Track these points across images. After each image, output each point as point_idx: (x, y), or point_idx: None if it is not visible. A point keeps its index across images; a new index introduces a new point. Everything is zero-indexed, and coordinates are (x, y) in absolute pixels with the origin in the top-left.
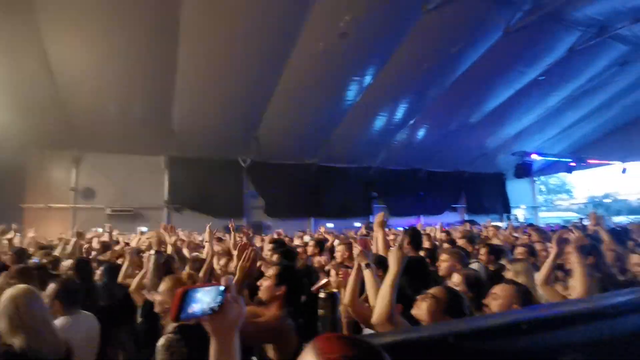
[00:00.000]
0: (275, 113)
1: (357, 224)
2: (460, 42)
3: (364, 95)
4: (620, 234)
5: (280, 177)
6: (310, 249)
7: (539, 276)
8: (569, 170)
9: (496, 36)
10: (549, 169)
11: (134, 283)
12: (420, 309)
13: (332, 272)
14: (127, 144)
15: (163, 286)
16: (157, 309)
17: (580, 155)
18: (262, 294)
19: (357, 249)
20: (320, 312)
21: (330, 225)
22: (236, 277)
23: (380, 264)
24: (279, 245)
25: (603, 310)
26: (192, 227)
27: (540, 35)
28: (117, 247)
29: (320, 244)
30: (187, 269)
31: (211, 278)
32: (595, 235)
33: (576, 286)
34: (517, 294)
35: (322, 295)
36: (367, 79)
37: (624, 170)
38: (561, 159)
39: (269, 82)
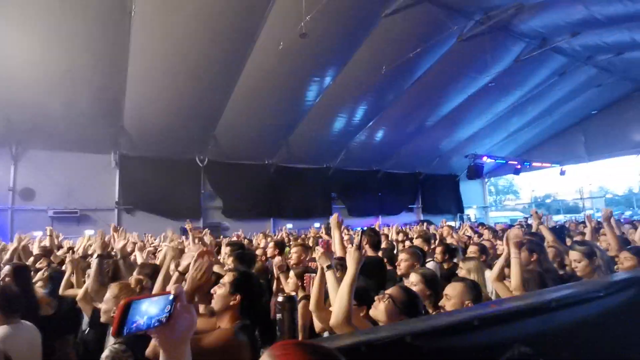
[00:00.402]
0: (234, 111)
1: (317, 225)
2: (417, 48)
3: (324, 96)
4: (559, 232)
5: (239, 177)
6: (270, 251)
7: (492, 273)
8: (516, 172)
9: (450, 43)
10: (498, 171)
11: (81, 291)
12: (378, 310)
13: (291, 274)
14: (72, 141)
15: (108, 294)
16: (102, 319)
17: (526, 158)
18: (214, 304)
19: (318, 251)
20: (278, 316)
21: (289, 226)
22: (186, 286)
23: (341, 265)
24: (236, 248)
25: (545, 304)
26: (146, 229)
27: (490, 45)
28: (59, 252)
29: (281, 245)
30: (135, 275)
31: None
32: (538, 233)
33: (512, 279)
34: (467, 290)
35: (280, 299)
36: (327, 80)
37: (562, 172)
38: (509, 162)
39: (227, 79)
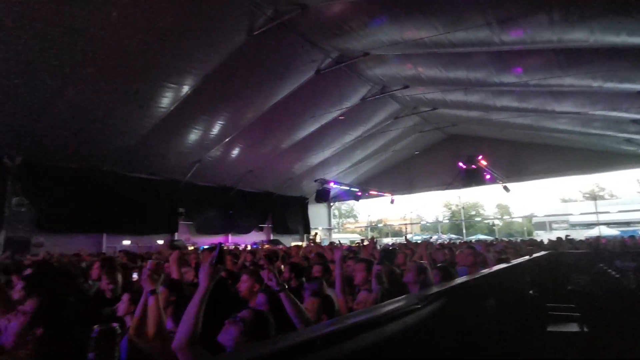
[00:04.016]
0: (67, 106)
1: (160, 242)
2: (279, 72)
3: (180, 105)
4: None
5: (63, 184)
6: (95, 272)
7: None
8: (357, 198)
9: (309, 74)
10: (342, 196)
11: None
12: (227, 334)
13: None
14: None
15: None
16: None
17: (365, 186)
18: (11, 339)
19: (145, 273)
20: (90, 355)
21: (127, 242)
22: None
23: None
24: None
25: (377, 318)
26: None
27: (343, 82)
28: None
29: (108, 263)
30: None
31: None
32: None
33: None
34: (324, 304)
35: (94, 333)
36: (185, 89)
37: (392, 201)
38: (351, 188)
39: (58, 65)
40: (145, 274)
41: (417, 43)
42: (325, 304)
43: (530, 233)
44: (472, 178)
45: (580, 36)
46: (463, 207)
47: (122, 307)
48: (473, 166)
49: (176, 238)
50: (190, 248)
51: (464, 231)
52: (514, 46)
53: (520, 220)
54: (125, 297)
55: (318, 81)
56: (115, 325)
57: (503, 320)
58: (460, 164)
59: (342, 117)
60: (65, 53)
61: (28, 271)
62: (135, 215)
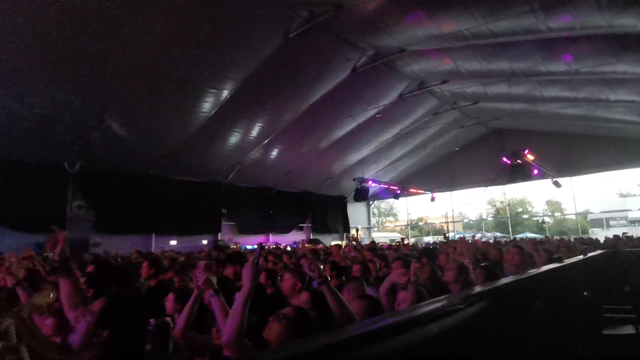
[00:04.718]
0: (118, 115)
1: (204, 242)
2: (315, 73)
3: (220, 110)
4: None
5: (117, 188)
6: (144, 271)
7: (381, 289)
8: (396, 196)
9: (345, 73)
10: (381, 194)
11: None
12: (272, 330)
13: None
14: None
15: None
16: None
17: (404, 184)
18: (78, 339)
19: (203, 275)
20: (148, 347)
21: (173, 242)
22: None
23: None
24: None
25: (417, 318)
26: None
27: (379, 80)
28: None
29: (156, 263)
30: None
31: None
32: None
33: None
34: (372, 308)
35: (150, 326)
36: (225, 93)
37: (432, 199)
38: (390, 187)
39: (109, 77)
40: (202, 277)
41: (456, 36)
42: (373, 307)
43: (585, 231)
44: (518, 173)
45: (630, 22)
46: (509, 204)
47: (168, 305)
48: (519, 161)
49: (219, 238)
50: (233, 247)
51: (510, 229)
52: (561, 33)
53: (573, 217)
54: (171, 296)
55: (354, 80)
56: (169, 319)
57: (555, 323)
58: (505, 159)
59: (379, 115)
60: (114, 66)
61: (90, 268)
62: (181, 216)
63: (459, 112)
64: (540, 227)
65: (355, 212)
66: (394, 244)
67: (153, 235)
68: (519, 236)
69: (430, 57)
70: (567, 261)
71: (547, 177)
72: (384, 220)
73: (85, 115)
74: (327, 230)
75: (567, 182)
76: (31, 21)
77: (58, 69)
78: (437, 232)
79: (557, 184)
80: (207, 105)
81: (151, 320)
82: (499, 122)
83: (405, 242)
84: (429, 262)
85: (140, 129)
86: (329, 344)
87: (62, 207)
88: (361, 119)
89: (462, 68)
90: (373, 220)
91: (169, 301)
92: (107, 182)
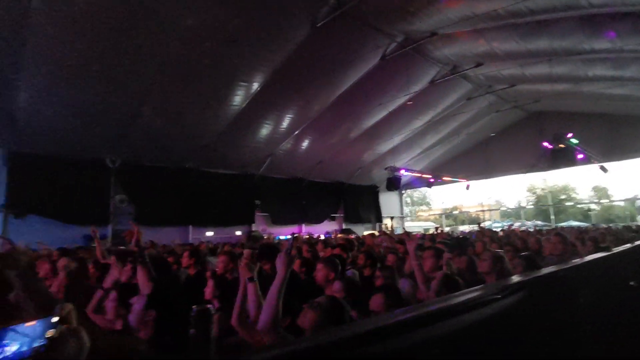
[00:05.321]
0: (153, 111)
1: (239, 233)
2: (344, 62)
3: (251, 102)
4: (460, 241)
5: (156, 181)
6: (185, 260)
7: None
8: (429, 185)
9: (375, 61)
10: (413, 183)
11: None
12: (306, 318)
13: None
14: None
15: None
16: None
17: (437, 172)
18: (134, 319)
19: (243, 262)
20: (192, 331)
21: (210, 233)
22: None
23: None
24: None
25: (453, 307)
26: (40, 236)
27: (409, 66)
28: None
29: (196, 254)
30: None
31: None
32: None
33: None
34: (392, 301)
35: (193, 312)
36: (255, 86)
37: (467, 187)
38: (423, 175)
39: (144, 76)
40: (242, 263)
41: (491, 15)
42: (394, 299)
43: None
44: (560, 158)
45: None
46: (550, 191)
47: (208, 291)
48: (561, 145)
49: (253, 229)
50: (266, 238)
51: (552, 217)
52: (604, 9)
53: (621, 204)
54: (211, 283)
55: (384, 67)
56: (210, 306)
57: (600, 315)
58: (546, 143)
59: (411, 102)
60: (148, 64)
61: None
62: (216, 208)
63: (494, 96)
64: (585, 214)
65: (388, 201)
66: (428, 233)
67: (190, 226)
68: (562, 224)
69: (463, 39)
70: (615, 250)
71: (593, 162)
72: (417, 210)
73: (123, 112)
74: (360, 220)
75: (615, 166)
76: (71, 20)
77: (95, 67)
78: (472, 221)
79: (603, 169)
80: (238, 98)
81: (193, 306)
82: (538, 105)
83: (439, 230)
84: (461, 252)
85: (175, 123)
86: (362, 332)
87: (106, 201)
88: (392, 106)
89: (498, 49)
90: (406, 209)
91: (209, 287)
92: (146, 176)
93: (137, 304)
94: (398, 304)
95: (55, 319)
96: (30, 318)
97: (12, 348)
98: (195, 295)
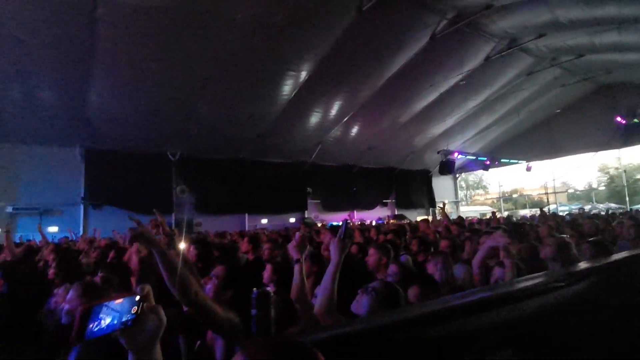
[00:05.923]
0: (208, 106)
1: (292, 220)
2: (392, 44)
3: (300, 91)
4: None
5: (213, 172)
6: (244, 246)
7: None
8: (485, 168)
9: (424, 41)
10: (468, 166)
11: None
12: (360, 304)
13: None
14: (32, 134)
15: (72, 293)
16: (64, 319)
17: (494, 154)
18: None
19: (292, 244)
20: (253, 312)
21: (264, 221)
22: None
23: (314, 258)
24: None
25: (512, 294)
26: (114, 225)
27: (462, 43)
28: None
29: (255, 240)
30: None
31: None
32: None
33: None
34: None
35: (254, 294)
36: (303, 75)
37: (528, 169)
38: (478, 158)
39: (199, 72)
40: (292, 244)
41: None
42: (430, 289)
43: None
44: (636, 134)
45: None
46: (625, 171)
47: (266, 275)
48: (635, 120)
49: (306, 216)
50: (319, 225)
51: (627, 199)
52: None
53: None
54: (269, 267)
55: (434, 47)
56: (269, 288)
57: None
58: (619, 118)
59: (463, 82)
60: (202, 61)
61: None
62: (270, 196)
63: (559, 69)
64: None
65: (441, 186)
66: (483, 218)
67: (246, 214)
68: (638, 207)
69: (522, 9)
70: None
71: None
72: (473, 194)
73: (180, 109)
74: (412, 205)
75: None
76: (133, 25)
77: (153, 67)
78: (534, 204)
79: None
80: (288, 87)
81: (254, 289)
82: (610, 77)
83: (498, 215)
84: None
85: (228, 116)
86: (415, 316)
87: (169, 192)
88: (443, 88)
89: (562, 18)
90: (461, 193)
91: (267, 271)
92: (203, 167)
93: (209, 284)
94: (434, 294)
95: (137, 298)
96: (118, 296)
97: (106, 321)
98: (254, 279)
